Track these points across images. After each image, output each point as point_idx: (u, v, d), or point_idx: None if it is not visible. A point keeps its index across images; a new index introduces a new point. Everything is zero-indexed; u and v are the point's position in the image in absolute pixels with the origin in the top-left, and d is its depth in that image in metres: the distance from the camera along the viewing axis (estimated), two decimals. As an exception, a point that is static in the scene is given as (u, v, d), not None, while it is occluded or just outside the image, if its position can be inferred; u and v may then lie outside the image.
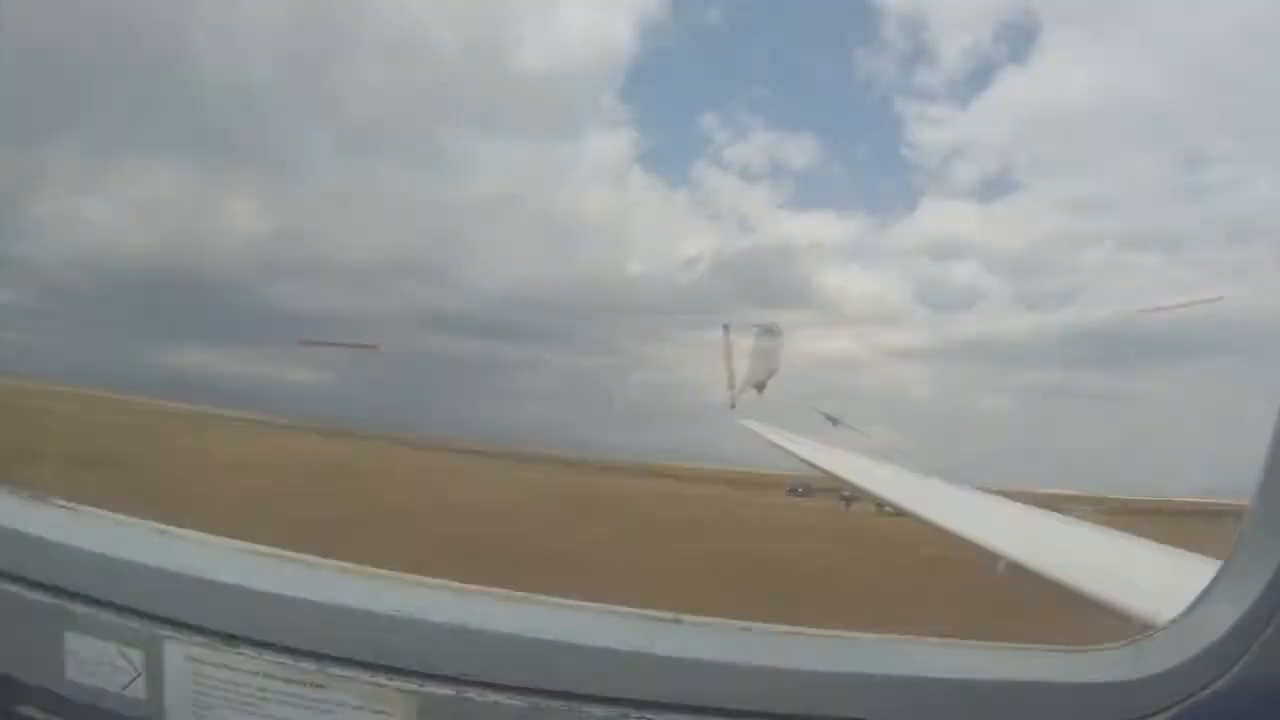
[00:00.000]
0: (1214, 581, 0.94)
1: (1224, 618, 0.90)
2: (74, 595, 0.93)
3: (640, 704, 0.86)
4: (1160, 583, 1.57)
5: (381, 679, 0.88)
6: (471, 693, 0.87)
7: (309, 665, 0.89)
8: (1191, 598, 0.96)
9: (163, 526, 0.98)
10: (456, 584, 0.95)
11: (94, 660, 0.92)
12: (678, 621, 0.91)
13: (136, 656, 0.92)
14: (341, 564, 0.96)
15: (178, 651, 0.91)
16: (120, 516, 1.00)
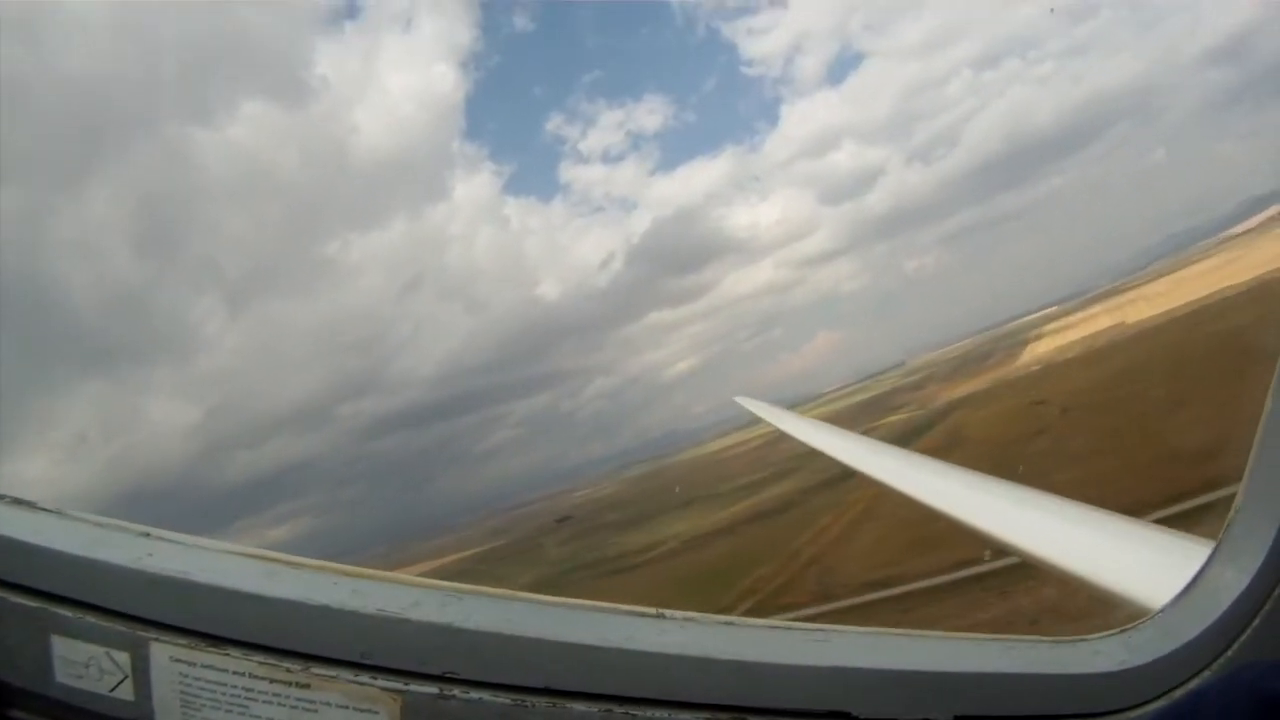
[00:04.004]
0: (1203, 568, 0.94)
1: (1214, 606, 0.90)
2: (60, 599, 0.93)
3: (623, 699, 0.86)
4: (1151, 568, 1.56)
5: (366, 678, 0.88)
6: (455, 690, 0.88)
7: (294, 665, 0.90)
8: (1182, 583, 0.96)
9: (146, 529, 0.98)
10: (439, 582, 0.95)
11: (81, 663, 0.92)
12: (660, 617, 0.91)
13: (123, 659, 0.92)
14: (324, 564, 0.96)
15: (164, 653, 0.91)
16: (104, 519, 1.00)
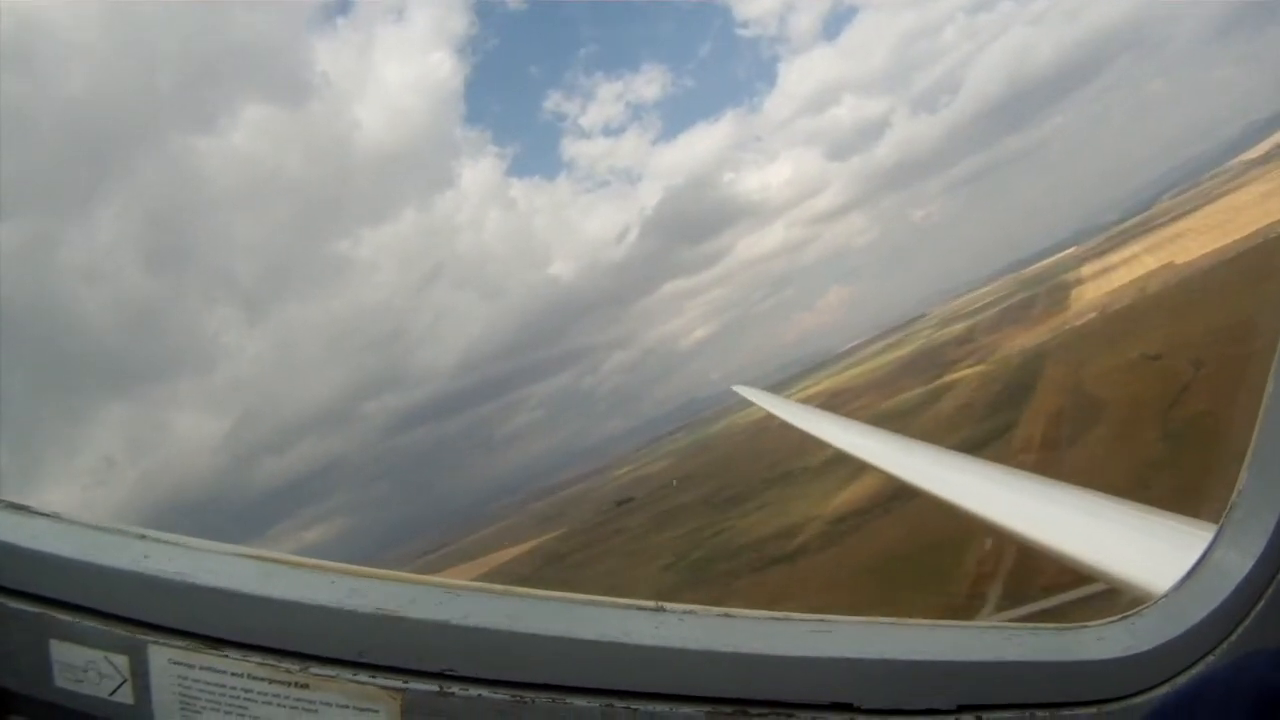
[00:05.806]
0: (1207, 553, 0.93)
1: (1218, 590, 0.89)
2: (58, 603, 0.93)
3: (623, 694, 0.86)
4: (1154, 553, 1.55)
5: (365, 677, 0.88)
6: (455, 688, 0.87)
7: (293, 665, 0.89)
8: (1185, 568, 0.95)
9: (143, 531, 0.98)
10: (436, 580, 0.95)
11: (80, 667, 0.92)
12: (659, 610, 0.90)
13: (122, 662, 0.92)
14: (321, 563, 0.96)
15: (162, 655, 0.91)
16: (101, 523, 0.99)
